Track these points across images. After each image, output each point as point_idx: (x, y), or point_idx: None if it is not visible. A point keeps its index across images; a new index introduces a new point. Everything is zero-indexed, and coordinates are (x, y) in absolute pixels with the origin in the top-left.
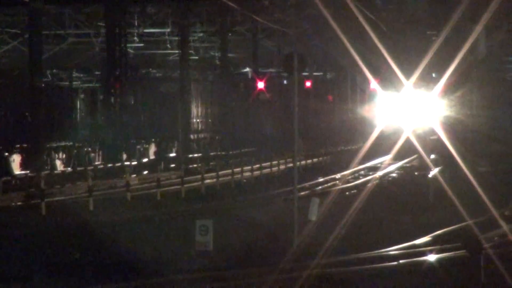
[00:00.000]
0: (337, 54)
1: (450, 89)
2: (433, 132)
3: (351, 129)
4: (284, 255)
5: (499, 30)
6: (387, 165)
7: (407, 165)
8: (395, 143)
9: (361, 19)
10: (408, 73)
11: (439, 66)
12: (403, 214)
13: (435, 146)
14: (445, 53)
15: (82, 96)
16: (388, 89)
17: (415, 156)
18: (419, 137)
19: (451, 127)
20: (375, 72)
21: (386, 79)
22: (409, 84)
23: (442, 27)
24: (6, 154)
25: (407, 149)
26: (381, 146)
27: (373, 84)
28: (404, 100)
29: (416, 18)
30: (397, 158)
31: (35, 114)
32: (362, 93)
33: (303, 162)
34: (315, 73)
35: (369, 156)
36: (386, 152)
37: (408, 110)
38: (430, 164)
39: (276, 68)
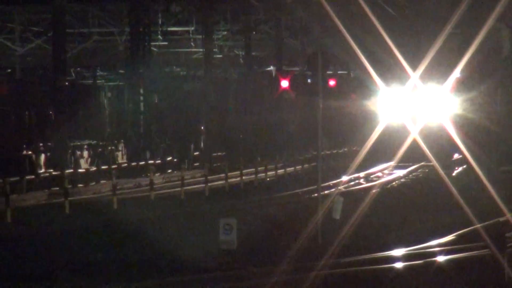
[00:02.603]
0: (344, 52)
1: (469, 86)
2: (445, 131)
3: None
4: (308, 253)
5: None
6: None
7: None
8: (399, 145)
9: (370, 15)
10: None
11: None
12: (427, 212)
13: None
14: (465, 49)
15: (108, 94)
16: (397, 85)
17: (421, 163)
18: (429, 137)
19: (470, 126)
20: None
21: (397, 75)
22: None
23: (465, 25)
24: (30, 152)
25: (415, 153)
26: (383, 149)
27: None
28: (415, 96)
29: (439, 15)
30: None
31: (58, 112)
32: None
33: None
34: (339, 72)
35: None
36: (389, 158)
37: (418, 108)
38: (441, 171)
39: (300, 66)
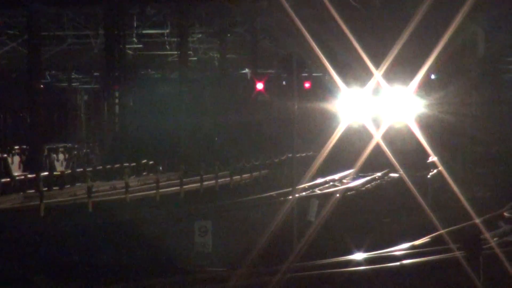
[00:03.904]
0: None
1: (438, 86)
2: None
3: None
4: (282, 255)
5: (498, 31)
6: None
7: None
8: (364, 149)
9: (337, 17)
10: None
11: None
12: (402, 215)
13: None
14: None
15: (85, 97)
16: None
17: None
18: (397, 141)
19: (440, 128)
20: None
21: (363, 76)
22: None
23: (442, 28)
24: (5, 155)
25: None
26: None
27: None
28: (380, 97)
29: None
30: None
31: (34, 115)
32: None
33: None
34: (314, 74)
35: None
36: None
37: (385, 109)
38: (406, 177)
39: (275, 68)
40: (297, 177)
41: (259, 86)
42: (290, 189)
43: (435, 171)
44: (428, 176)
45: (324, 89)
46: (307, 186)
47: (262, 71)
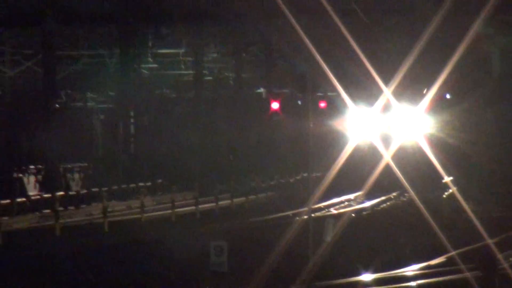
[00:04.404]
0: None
1: (454, 104)
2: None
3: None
4: (298, 275)
5: None
6: None
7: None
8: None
9: (348, 35)
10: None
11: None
12: (418, 234)
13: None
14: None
15: (101, 117)
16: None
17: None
18: (411, 162)
19: (457, 147)
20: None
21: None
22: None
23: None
24: (21, 175)
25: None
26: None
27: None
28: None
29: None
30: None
31: (49, 135)
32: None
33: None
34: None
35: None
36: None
37: (394, 127)
38: (416, 199)
39: (290, 88)
40: (312, 197)
41: (275, 105)
42: (306, 208)
43: (450, 191)
44: (443, 196)
45: (336, 109)
46: (323, 205)
47: (277, 90)
